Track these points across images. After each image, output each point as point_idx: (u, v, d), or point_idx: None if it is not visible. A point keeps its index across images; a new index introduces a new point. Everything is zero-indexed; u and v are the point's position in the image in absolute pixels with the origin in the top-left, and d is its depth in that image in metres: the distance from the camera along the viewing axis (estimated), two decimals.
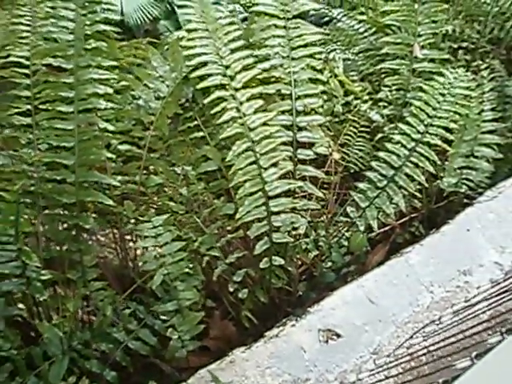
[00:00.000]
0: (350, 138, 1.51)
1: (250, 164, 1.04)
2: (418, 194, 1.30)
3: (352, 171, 1.49)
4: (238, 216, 1.04)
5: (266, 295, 1.24)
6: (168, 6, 2.66)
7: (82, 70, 1.08)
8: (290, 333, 1.09)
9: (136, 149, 1.18)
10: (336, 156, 1.35)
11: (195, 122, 1.21)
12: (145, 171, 1.22)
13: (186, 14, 1.12)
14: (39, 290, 1.02)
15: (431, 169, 1.26)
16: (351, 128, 1.51)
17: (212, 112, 1.04)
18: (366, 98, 1.60)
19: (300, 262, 1.31)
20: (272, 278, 1.22)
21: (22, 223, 0.95)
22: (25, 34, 1.30)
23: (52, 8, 1.14)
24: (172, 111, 1.19)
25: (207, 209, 1.21)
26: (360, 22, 1.86)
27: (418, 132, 1.28)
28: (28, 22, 1.31)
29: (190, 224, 1.19)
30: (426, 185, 1.30)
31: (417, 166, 1.24)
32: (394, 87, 1.53)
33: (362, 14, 1.95)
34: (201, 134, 1.20)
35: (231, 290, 1.17)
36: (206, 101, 1.04)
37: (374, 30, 1.80)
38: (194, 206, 1.21)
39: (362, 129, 1.55)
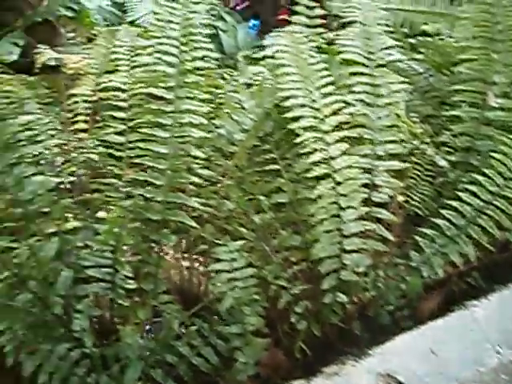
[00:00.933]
0: (414, 181, 1.61)
1: (331, 203, 1.18)
2: (490, 247, 1.36)
3: (412, 214, 1.58)
4: (314, 251, 1.17)
5: (320, 329, 1.35)
6: (214, 29, 2.90)
7: (180, 100, 1.25)
8: (350, 372, 1.18)
9: (216, 175, 1.34)
10: (400, 198, 1.46)
11: (271, 155, 1.36)
12: (219, 196, 1.37)
13: (281, 58, 1.27)
14: (121, 296, 1.17)
15: (508, 223, 1.33)
16: (415, 171, 1.62)
17: (301, 152, 1.19)
18: (428, 140, 1.69)
19: (356, 301, 1.41)
20: (330, 313, 1.33)
21: (125, 236, 1.10)
22: (123, 63, 1.52)
23: (157, 44, 1.32)
24: (252, 143, 1.34)
25: (275, 238, 1.34)
26: (419, 61, 1.91)
27: (497, 185, 1.36)
28: (127, 53, 1.53)
29: (258, 251, 1.32)
30: (499, 237, 1.36)
31: (491, 218, 1.32)
32: (458, 132, 1.61)
33: (419, 53, 1.98)
34: (276, 166, 1.34)
35: (292, 320, 1.28)
36: (297, 140, 1.18)
37: (433, 70, 1.88)
38: (263, 235, 1.34)
39: (427, 173, 1.65)
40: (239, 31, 3.68)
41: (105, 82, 1.51)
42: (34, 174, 1.24)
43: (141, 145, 1.29)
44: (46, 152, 1.34)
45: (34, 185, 1.22)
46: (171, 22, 1.38)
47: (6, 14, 2.92)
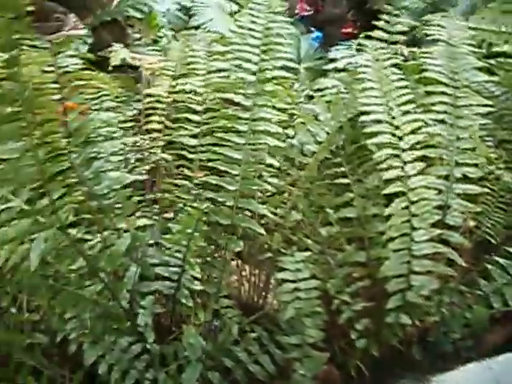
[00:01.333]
0: (486, 206, 1.58)
1: (404, 222, 1.18)
2: None
3: (481, 240, 1.55)
4: (382, 269, 1.18)
5: (378, 349, 1.34)
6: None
7: (258, 108, 1.28)
8: None
9: (285, 184, 1.36)
10: (471, 223, 1.44)
11: (342, 169, 1.37)
12: (286, 206, 1.39)
13: (362, 73, 1.29)
14: (186, 296, 1.20)
15: None
16: (488, 197, 1.59)
17: (376, 168, 1.20)
18: (502, 166, 1.66)
19: (418, 324, 1.39)
20: (390, 334, 1.32)
21: (197, 238, 1.14)
22: (199, 67, 1.56)
23: (237, 50, 1.36)
24: (324, 155, 1.36)
25: (339, 252, 1.35)
26: (495, 83, 1.91)
27: None
28: (204, 57, 1.58)
29: (322, 264, 1.33)
30: None
31: None
32: None
33: (493, 74, 1.99)
34: (346, 180, 1.35)
35: (352, 337, 1.28)
36: (375, 156, 1.19)
37: (510, 93, 1.83)
38: (328, 248, 1.35)
39: (500, 199, 1.62)
40: (302, 42, 3.71)
41: (180, 85, 1.56)
42: (110, 170, 1.29)
43: (215, 149, 1.32)
44: (122, 149, 1.40)
45: (110, 180, 1.27)
46: (252, 29, 1.42)
47: (77, 13, 3.06)
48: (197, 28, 3.47)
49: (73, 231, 1.17)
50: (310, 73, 3.39)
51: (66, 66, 1.24)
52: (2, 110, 0.99)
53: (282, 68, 1.36)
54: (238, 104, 1.35)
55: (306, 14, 4.23)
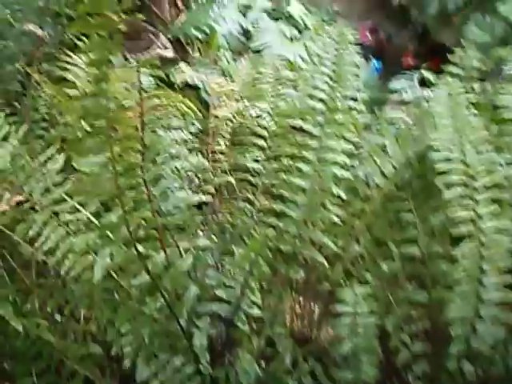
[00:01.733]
0: None
1: (472, 265, 1.16)
2: None
3: None
4: (447, 312, 1.16)
5: None
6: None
7: (327, 137, 1.30)
8: None
9: (347, 215, 1.36)
10: None
11: (407, 204, 1.36)
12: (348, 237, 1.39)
13: (435, 107, 1.29)
14: (243, 321, 1.22)
15: None
16: None
17: (447, 206, 1.19)
18: None
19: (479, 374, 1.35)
20: (449, 380, 1.29)
21: (260, 263, 1.16)
22: (267, 91, 1.60)
23: (308, 78, 1.39)
24: (390, 189, 1.36)
25: (399, 290, 1.33)
26: None
27: None
28: (272, 82, 1.61)
29: (380, 300, 1.32)
30: None
31: None
32: None
33: None
34: (411, 216, 1.34)
35: (409, 379, 1.26)
36: (445, 194, 1.19)
37: None
38: (388, 284, 1.34)
39: None
40: (362, 71, 3.70)
41: (247, 108, 1.60)
42: (176, 189, 1.33)
43: (280, 175, 1.34)
44: (187, 168, 1.44)
45: (176, 199, 1.31)
46: (323, 57, 1.44)
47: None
48: (258, 51, 3.55)
49: (139, 247, 1.21)
50: (369, 103, 3.37)
51: (143, 84, 1.30)
52: (87, 124, 1.04)
53: (351, 98, 1.38)
54: (305, 131, 1.37)
55: (366, 42, 4.25)
